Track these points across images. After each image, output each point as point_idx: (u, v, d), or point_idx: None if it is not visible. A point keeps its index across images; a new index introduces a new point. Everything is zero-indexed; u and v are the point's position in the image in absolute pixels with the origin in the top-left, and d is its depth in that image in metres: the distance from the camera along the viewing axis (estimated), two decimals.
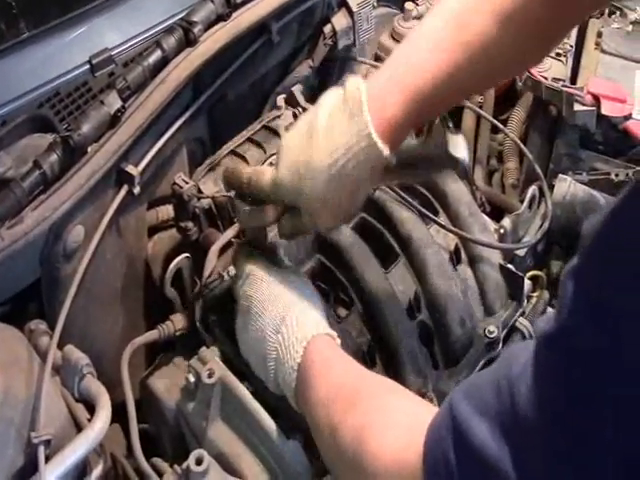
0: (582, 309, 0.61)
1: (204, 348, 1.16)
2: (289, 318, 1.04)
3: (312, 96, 1.57)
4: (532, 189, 1.38)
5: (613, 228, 0.61)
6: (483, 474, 0.67)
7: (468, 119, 1.82)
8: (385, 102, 0.95)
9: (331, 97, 1.01)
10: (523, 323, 1.25)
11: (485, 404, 0.69)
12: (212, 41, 1.29)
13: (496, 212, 1.57)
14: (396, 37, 1.70)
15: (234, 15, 1.32)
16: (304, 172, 0.98)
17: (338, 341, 1.05)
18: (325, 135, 0.97)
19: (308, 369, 1.00)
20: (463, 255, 1.29)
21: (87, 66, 1.21)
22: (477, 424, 0.69)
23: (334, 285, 1.23)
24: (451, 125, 1.61)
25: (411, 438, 0.79)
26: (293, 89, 1.47)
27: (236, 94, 1.47)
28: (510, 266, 1.28)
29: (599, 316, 0.59)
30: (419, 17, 1.71)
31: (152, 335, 1.23)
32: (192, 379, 1.12)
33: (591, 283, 0.62)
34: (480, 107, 1.78)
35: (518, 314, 1.26)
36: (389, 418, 0.88)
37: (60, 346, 1.13)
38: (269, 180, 1.03)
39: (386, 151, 0.95)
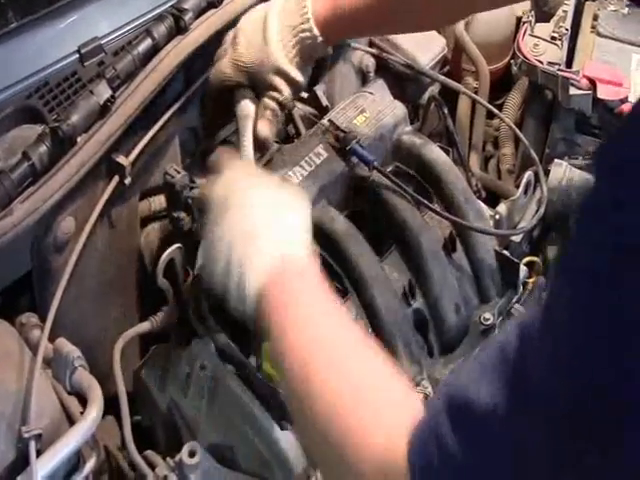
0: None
1: (197, 339, 1.15)
2: (266, 227, 0.99)
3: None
4: (528, 174, 1.37)
5: None
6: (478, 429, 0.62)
7: (463, 104, 1.80)
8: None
9: None
10: (519, 310, 1.24)
11: (485, 367, 0.64)
12: (203, 28, 1.27)
13: (492, 198, 1.56)
14: None
15: (225, 2, 1.31)
16: (260, 49, 1.21)
17: (316, 263, 0.98)
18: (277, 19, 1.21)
19: (275, 293, 0.93)
20: (458, 242, 1.28)
21: (76, 55, 1.20)
22: (475, 390, 0.63)
23: (329, 275, 1.22)
24: (446, 110, 1.61)
25: (398, 428, 0.73)
26: None
27: None
28: (506, 252, 1.27)
29: None
30: None
31: (144, 327, 1.22)
32: (185, 371, 1.12)
33: None
34: (475, 92, 1.76)
35: (514, 301, 1.25)
36: (372, 400, 0.81)
37: (52, 339, 1.12)
38: (228, 60, 1.23)
39: (320, 37, 1.19)
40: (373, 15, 1.20)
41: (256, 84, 1.23)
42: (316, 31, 1.19)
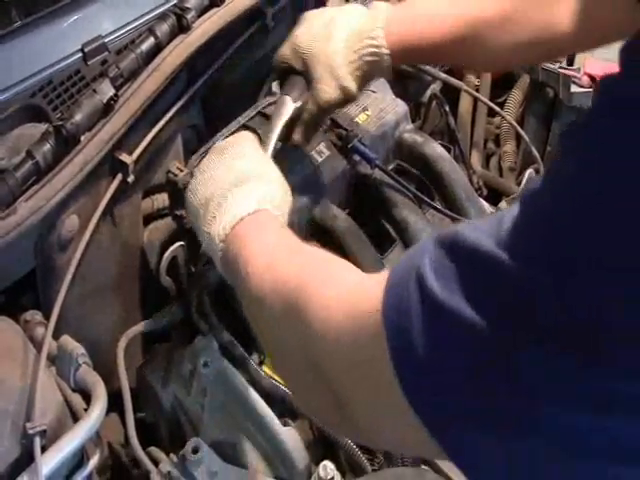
0: None
1: (200, 337, 1.15)
2: (246, 179, 1.02)
3: None
4: (529, 172, 1.37)
5: None
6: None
7: (465, 102, 1.81)
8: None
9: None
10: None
11: (482, 224, 0.59)
12: (206, 27, 1.27)
13: (493, 196, 1.57)
14: None
15: (227, 0, 1.31)
16: (321, 40, 1.17)
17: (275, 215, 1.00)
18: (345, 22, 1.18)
19: (235, 240, 0.95)
20: None
21: (80, 54, 1.20)
22: (471, 233, 0.58)
23: None
24: (447, 108, 1.61)
25: (367, 283, 0.71)
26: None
27: (231, 80, 1.46)
28: None
29: None
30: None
31: (148, 324, 1.23)
32: (188, 368, 1.12)
33: None
34: (477, 90, 1.77)
35: None
36: (336, 271, 0.81)
37: (56, 336, 1.13)
38: (289, 42, 1.21)
39: (387, 51, 1.13)
40: (452, 49, 1.15)
41: (309, 76, 1.19)
42: (384, 42, 1.14)
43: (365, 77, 1.19)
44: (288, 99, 1.17)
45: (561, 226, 0.53)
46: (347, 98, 1.18)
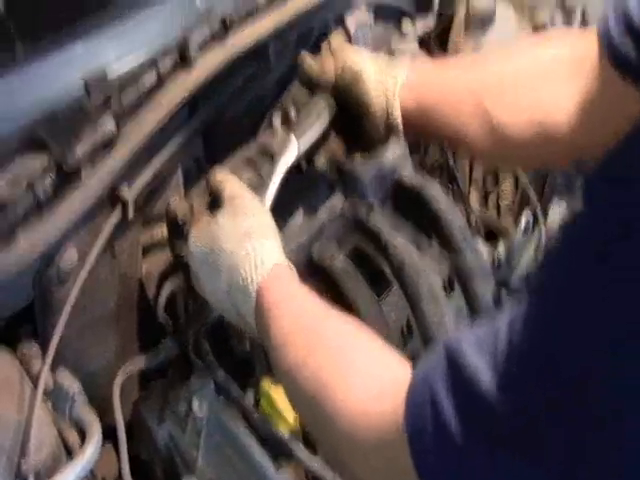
0: None
1: (196, 376, 1.15)
2: (252, 243, 1.04)
3: None
4: (526, 214, 1.37)
5: None
6: (475, 410, 0.66)
7: None
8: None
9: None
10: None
11: (483, 342, 0.68)
12: (208, 62, 1.28)
13: (491, 235, 1.57)
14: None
15: (230, 36, 1.32)
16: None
17: (293, 269, 1.05)
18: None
19: (264, 305, 0.98)
20: (456, 282, 1.29)
21: (82, 87, 1.20)
22: (474, 358, 0.67)
23: None
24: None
25: (381, 392, 0.79)
26: (289, 109, 1.46)
27: (232, 113, 1.47)
28: (503, 293, 1.28)
29: None
30: (415, 37, 1.71)
31: (144, 361, 1.23)
32: (184, 408, 1.12)
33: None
34: None
35: None
36: (355, 368, 0.86)
37: (52, 369, 1.13)
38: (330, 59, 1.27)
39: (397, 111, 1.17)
40: (454, 117, 1.16)
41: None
42: (399, 123, 1.19)
43: None
44: (294, 141, 1.18)
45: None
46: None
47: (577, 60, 1.03)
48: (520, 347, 0.63)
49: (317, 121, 1.20)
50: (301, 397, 0.90)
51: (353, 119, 1.22)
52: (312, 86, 1.28)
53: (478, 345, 0.68)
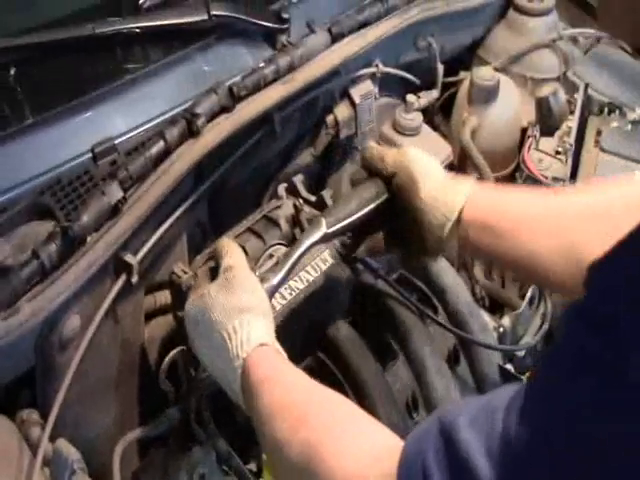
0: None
1: (197, 447, 1.14)
2: (240, 320, 1.02)
3: (313, 184, 1.58)
4: (532, 288, 1.37)
5: None
6: None
7: None
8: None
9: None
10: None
11: (478, 418, 0.68)
12: (215, 132, 1.29)
13: (496, 305, 1.57)
14: (397, 128, 1.71)
15: (237, 107, 1.33)
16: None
17: (281, 350, 1.03)
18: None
19: (254, 374, 0.98)
20: (462, 354, 1.29)
21: (89, 154, 1.21)
22: (466, 435, 0.67)
23: (331, 382, 1.22)
24: None
25: (374, 458, 0.78)
26: (294, 179, 1.47)
27: (237, 181, 1.48)
28: (509, 366, 1.27)
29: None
30: (420, 109, 1.73)
31: (145, 430, 1.21)
32: (184, 479, 1.10)
33: None
34: None
35: None
36: (346, 437, 0.85)
37: (52, 436, 1.11)
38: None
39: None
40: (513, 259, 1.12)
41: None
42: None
43: None
44: (323, 223, 1.17)
45: None
46: None
47: None
48: (516, 441, 0.63)
49: (356, 212, 1.18)
50: (292, 469, 0.88)
51: (405, 220, 1.19)
52: (370, 171, 1.25)
53: (474, 423, 0.68)
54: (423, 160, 1.21)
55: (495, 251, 1.13)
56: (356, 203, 1.17)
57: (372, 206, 1.17)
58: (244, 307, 1.04)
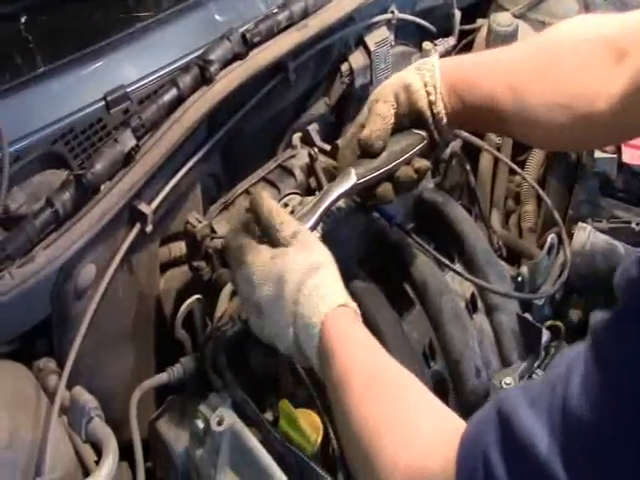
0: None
1: (214, 393, 1.13)
2: (307, 287, 0.99)
3: (328, 134, 1.57)
4: (551, 237, 1.35)
5: None
6: (531, 475, 0.64)
7: (485, 160, 1.79)
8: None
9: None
10: (540, 375, 1.22)
11: (537, 398, 0.67)
12: (228, 80, 1.27)
13: (513, 256, 1.55)
14: None
15: (251, 54, 1.31)
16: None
17: (358, 312, 1.01)
18: None
19: (327, 342, 0.95)
20: (479, 303, 1.27)
21: (102, 103, 1.20)
22: (527, 418, 0.66)
23: None
24: (468, 167, 1.61)
25: (435, 443, 0.78)
26: (309, 128, 1.46)
27: (251, 131, 1.46)
28: (527, 316, 1.26)
29: None
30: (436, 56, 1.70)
31: (161, 378, 1.21)
32: (201, 425, 1.10)
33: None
34: (498, 148, 1.76)
35: (536, 365, 1.23)
36: (410, 417, 0.85)
37: (69, 385, 1.11)
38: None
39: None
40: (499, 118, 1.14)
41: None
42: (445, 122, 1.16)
43: None
44: (353, 173, 1.14)
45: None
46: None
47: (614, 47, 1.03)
48: (579, 419, 0.62)
49: (385, 165, 1.15)
50: (353, 442, 0.88)
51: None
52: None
53: (533, 404, 0.67)
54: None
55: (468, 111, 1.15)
56: (386, 154, 1.15)
57: (403, 157, 1.16)
58: (320, 266, 1.01)
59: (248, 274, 1.03)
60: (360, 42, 1.59)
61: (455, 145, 1.56)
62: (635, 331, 0.61)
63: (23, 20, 1.28)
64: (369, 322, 1.17)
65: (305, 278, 0.99)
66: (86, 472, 1.08)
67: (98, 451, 1.08)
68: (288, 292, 0.99)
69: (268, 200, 1.07)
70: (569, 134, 1.11)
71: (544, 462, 0.63)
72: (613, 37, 1.05)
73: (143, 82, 1.26)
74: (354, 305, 1.00)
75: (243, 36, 1.31)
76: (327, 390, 0.96)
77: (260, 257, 1.03)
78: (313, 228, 1.11)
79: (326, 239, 1.20)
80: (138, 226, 1.21)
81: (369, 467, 0.83)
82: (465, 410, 1.18)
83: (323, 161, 1.38)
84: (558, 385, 0.65)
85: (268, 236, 1.05)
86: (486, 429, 0.70)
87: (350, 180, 1.13)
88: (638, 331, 0.61)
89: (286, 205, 1.30)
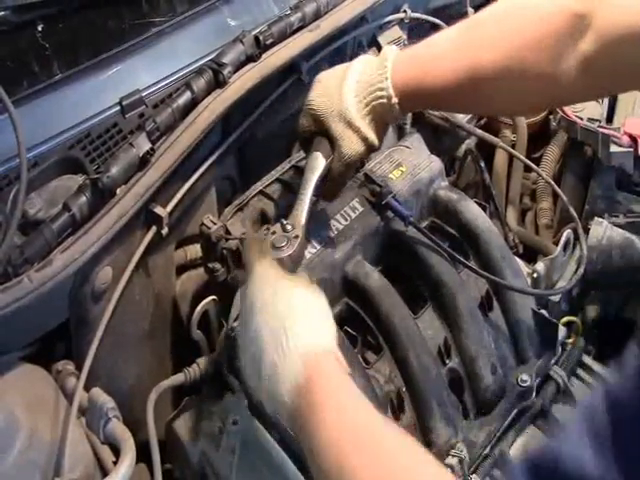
0: None
1: (230, 394, 1.14)
2: (292, 328, 0.94)
3: None
4: (567, 233, 1.34)
5: None
6: None
7: (500, 157, 1.79)
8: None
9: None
10: (557, 372, 1.22)
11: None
12: (242, 82, 1.28)
13: (529, 253, 1.55)
14: None
15: (264, 56, 1.32)
16: (334, 98, 1.17)
17: (343, 360, 0.94)
18: (356, 74, 1.18)
19: (311, 393, 0.89)
20: (495, 301, 1.27)
21: (118, 107, 1.21)
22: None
23: (363, 330, 1.21)
24: (482, 164, 1.60)
25: None
26: None
27: (265, 133, 1.47)
28: (544, 312, 1.25)
29: None
30: None
31: (178, 379, 1.22)
32: (217, 425, 1.11)
33: None
34: (513, 146, 1.75)
35: (552, 362, 1.23)
36: None
37: (87, 387, 1.13)
38: (304, 108, 1.22)
39: (395, 99, 1.14)
40: (454, 94, 1.15)
41: (329, 134, 1.18)
42: (391, 91, 1.15)
43: (380, 125, 1.19)
44: (319, 154, 1.17)
45: None
46: (370, 148, 1.19)
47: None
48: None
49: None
50: None
51: None
52: None
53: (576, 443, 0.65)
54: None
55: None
56: (324, 140, 1.18)
57: None
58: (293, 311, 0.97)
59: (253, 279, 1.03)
60: (373, 42, 1.59)
61: (470, 143, 1.56)
62: None
63: (40, 28, 1.29)
64: (383, 320, 1.18)
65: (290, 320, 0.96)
66: (104, 472, 1.09)
67: (116, 451, 1.09)
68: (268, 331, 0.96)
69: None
70: (534, 96, 1.14)
71: None
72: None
73: (158, 86, 1.27)
74: (337, 352, 0.95)
75: (256, 38, 1.31)
76: (307, 454, 0.90)
77: (263, 261, 1.04)
78: (306, 219, 1.13)
79: (341, 239, 1.21)
80: (154, 229, 1.22)
81: None
82: (481, 407, 1.18)
83: None
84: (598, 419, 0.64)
85: None
86: None
87: (321, 162, 1.16)
88: None
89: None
